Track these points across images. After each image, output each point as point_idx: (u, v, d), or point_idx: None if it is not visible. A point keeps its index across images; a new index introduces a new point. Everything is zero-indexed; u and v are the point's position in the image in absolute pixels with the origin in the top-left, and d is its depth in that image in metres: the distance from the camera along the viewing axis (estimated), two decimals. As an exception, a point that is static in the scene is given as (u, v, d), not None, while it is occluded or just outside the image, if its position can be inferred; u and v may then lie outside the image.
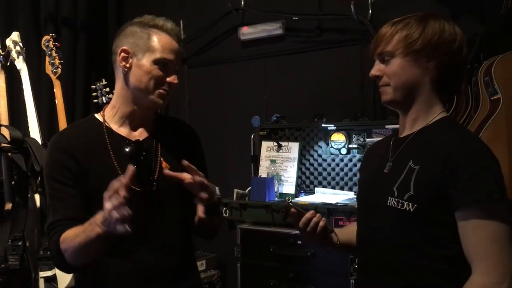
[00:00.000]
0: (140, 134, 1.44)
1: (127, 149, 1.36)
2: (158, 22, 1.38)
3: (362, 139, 2.68)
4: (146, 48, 1.35)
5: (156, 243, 1.40)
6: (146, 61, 1.35)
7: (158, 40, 1.35)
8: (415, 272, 1.20)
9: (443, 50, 1.23)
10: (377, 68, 1.30)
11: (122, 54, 1.37)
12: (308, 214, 1.36)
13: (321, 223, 1.36)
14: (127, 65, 1.37)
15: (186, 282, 1.45)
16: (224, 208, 2.68)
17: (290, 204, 1.38)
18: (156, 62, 1.34)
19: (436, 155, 1.18)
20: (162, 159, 1.43)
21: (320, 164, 2.81)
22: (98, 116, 1.45)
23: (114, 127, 1.41)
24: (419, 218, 1.18)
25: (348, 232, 1.47)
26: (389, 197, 1.23)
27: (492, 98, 2.09)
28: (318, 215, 1.37)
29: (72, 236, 1.25)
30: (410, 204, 1.18)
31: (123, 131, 1.42)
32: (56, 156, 1.36)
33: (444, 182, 1.15)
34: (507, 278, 1.11)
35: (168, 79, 1.36)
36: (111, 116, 1.42)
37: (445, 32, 1.24)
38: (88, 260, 1.30)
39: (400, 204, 1.20)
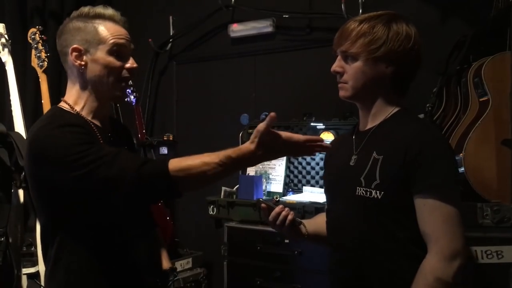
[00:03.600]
0: (108, 126, 1.45)
1: (111, 140, 1.40)
2: (99, 12, 1.37)
3: (350, 139, 2.68)
4: (97, 41, 1.34)
5: (141, 231, 1.44)
6: (100, 54, 1.34)
7: (105, 30, 1.35)
8: (385, 256, 1.29)
9: (402, 58, 1.32)
10: (339, 65, 1.38)
11: (74, 53, 1.35)
12: (277, 209, 1.44)
13: (290, 217, 1.44)
14: (82, 63, 1.35)
15: (159, 272, 1.56)
16: (212, 206, 2.67)
17: (261, 200, 1.47)
18: (110, 52, 1.35)
19: (398, 145, 1.28)
20: (126, 148, 1.48)
21: (308, 163, 2.80)
22: (66, 109, 1.38)
23: (88, 119, 1.39)
24: (387, 204, 1.27)
25: (315, 223, 1.55)
26: (357, 187, 1.31)
27: (481, 100, 2.10)
28: (286, 209, 1.44)
29: (199, 167, 1.23)
30: (378, 191, 1.28)
31: (97, 124, 1.40)
32: (68, 129, 1.26)
33: (406, 169, 1.25)
34: (458, 256, 1.22)
35: (126, 65, 1.38)
36: (80, 111, 1.38)
37: (406, 39, 1.32)
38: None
39: (368, 192, 1.29)
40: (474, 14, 2.46)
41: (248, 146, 1.23)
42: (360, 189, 1.31)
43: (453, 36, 2.40)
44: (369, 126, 1.40)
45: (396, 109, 1.37)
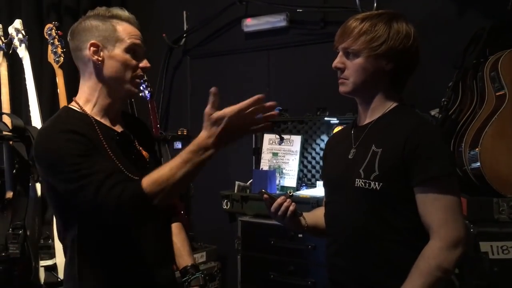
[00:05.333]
0: (119, 126, 1.47)
1: (118, 138, 1.41)
2: (117, 13, 1.43)
3: (365, 133, 2.67)
4: (115, 39, 1.39)
5: (153, 228, 1.44)
6: (118, 51, 1.39)
7: (123, 29, 1.41)
8: (382, 246, 1.33)
9: (402, 56, 1.37)
10: (341, 61, 1.43)
11: (92, 48, 1.38)
12: (279, 200, 1.47)
13: (291, 208, 1.47)
14: (100, 58, 1.39)
15: (170, 268, 1.51)
16: (226, 201, 2.68)
17: (263, 190, 1.49)
18: (127, 50, 1.40)
19: (396, 138, 1.32)
20: (141, 148, 1.50)
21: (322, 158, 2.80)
22: (75, 108, 1.41)
23: (97, 119, 1.41)
24: (386, 195, 1.31)
25: (314, 215, 1.58)
26: (357, 179, 1.35)
27: (498, 94, 2.08)
28: (288, 200, 1.47)
29: (166, 174, 1.22)
30: (377, 183, 1.31)
31: (105, 123, 1.42)
32: (67, 136, 1.28)
33: (405, 161, 1.29)
34: (460, 244, 1.26)
35: (141, 64, 1.42)
36: (90, 109, 1.41)
37: (406, 37, 1.37)
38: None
39: (367, 184, 1.33)
40: (492, 7, 2.43)
41: (202, 133, 1.22)
42: (359, 181, 1.34)
43: (470, 29, 2.38)
44: (367, 120, 1.44)
45: (394, 104, 1.42)
